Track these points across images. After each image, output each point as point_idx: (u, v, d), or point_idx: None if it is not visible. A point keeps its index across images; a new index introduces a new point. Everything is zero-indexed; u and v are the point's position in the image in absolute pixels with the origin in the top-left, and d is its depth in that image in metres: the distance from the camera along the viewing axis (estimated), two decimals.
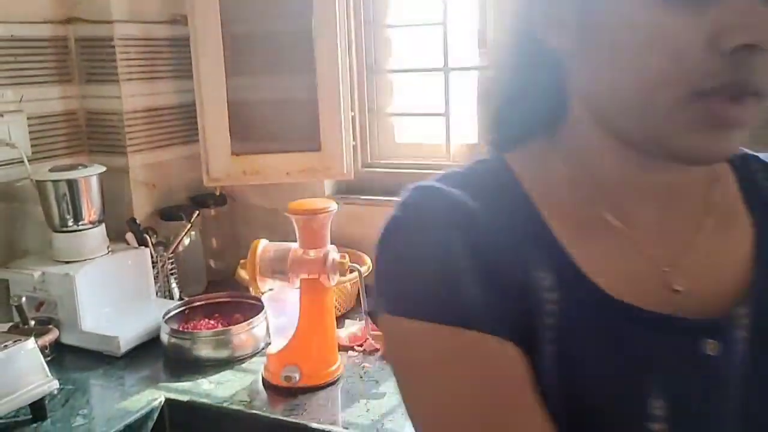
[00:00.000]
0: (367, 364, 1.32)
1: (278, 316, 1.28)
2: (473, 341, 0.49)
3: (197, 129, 1.64)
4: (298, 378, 1.21)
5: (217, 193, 1.77)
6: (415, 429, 0.53)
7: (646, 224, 0.54)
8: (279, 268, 1.21)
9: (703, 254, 0.54)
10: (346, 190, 1.76)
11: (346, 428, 1.11)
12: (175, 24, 1.69)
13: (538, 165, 0.57)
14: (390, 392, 1.21)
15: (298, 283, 1.22)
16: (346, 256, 1.23)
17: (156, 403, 1.21)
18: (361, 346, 1.38)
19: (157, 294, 1.56)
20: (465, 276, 0.50)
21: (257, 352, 1.38)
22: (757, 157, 0.61)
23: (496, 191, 0.55)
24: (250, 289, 1.52)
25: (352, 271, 1.27)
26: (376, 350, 1.36)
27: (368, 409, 1.16)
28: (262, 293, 1.28)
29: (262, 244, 1.23)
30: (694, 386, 0.50)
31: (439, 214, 0.53)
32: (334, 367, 1.26)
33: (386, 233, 0.55)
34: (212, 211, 1.79)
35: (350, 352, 1.37)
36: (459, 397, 0.49)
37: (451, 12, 1.64)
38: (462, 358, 0.49)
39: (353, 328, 1.41)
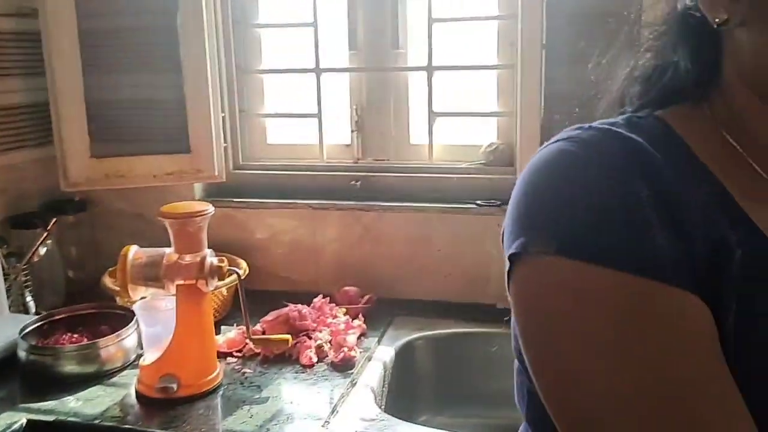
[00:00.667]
0: (247, 370, 1.29)
1: (151, 325, 1.23)
2: (662, 294, 0.45)
3: (52, 130, 1.53)
4: (175, 388, 1.16)
5: (76, 199, 1.66)
6: (562, 393, 0.47)
7: None
8: (152, 275, 1.16)
9: None
10: (216, 193, 1.72)
11: None
12: (25, 17, 1.56)
13: (689, 125, 0.56)
14: (273, 396, 1.20)
15: (173, 290, 1.17)
16: (225, 259, 1.20)
17: (17, 425, 1.11)
18: (240, 351, 1.35)
19: (10, 309, 1.44)
20: (653, 225, 0.46)
21: (128, 365, 1.31)
22: None
23: (666, 143, 0.52)
24: (117, 298, 1.45)
25: (230, 275, 1.24)
26: (257, 354, 1.33)
27: (251, 416, 1.14)
28: (134, 302, 1.22)
29: (133, 250, 1.17)
30: None
31: (624, 157, 0.49)
32: (213, 375, 1.22)
33: (554, 165, 0.50)
34: (70, 218, 1.68)
35: (229, 359, 1.33)
36: (640, 352, 0.44)
37: (321, 13, 1.64)
38: (649, 312, 0.45)
39: (231, 333, 1.38)
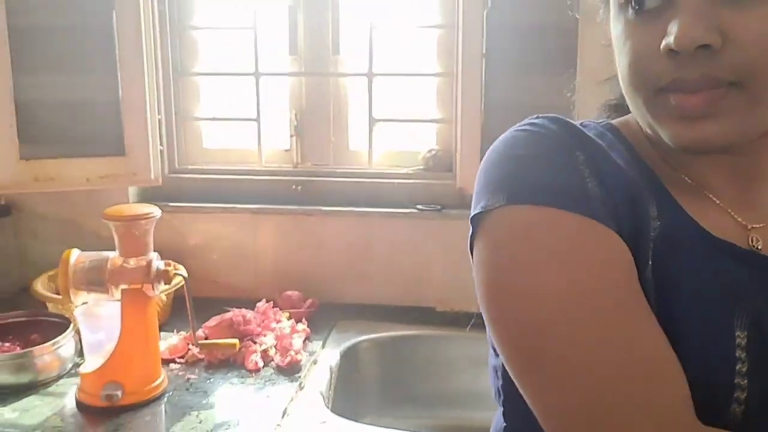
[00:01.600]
0: (192, 376, 1.26)
1: (94, 331, 1.19)
2: (599, 231, 0.54)
3: None
4: (120, 396, 1.13)
5: (1, 202, 1.59)
6: (526, 311, 0.53)
7: (729, 195, 0.61)
8: (96, 280, 1.12)
9: None
10: (151, 198, 1.67)
11: None
12: None
13: (629, 129, 0.65)
14: (221, 401, 1.18)
15: (117, 295, 1.14)
16: (171, 263, 1.18)
17: None
18: (182, 357, 1.32)
19: None
20: (587, 176, 0.56)
21: (64, 374, 1.26)
22: None
23: (611, 138, 0.62)
24: (49, 305, 1.40)
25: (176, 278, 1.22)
26: (200, 360, 1.31)
27: (201, 421, 1.12)
28: (74, 308, 1.17)
29: (75, 254, 1.13)
30: None
31: (568, 136, 0.59)
32: (157, 382, 1.19)
33: (508, 143, 0.59)
34: None
35: (171, 365, 1.30)
36: (582, 273, 0.53)
37: (262, 17, 1.64)
38: (589, 244, 0.54)
39: (173, 339, 1.35)
